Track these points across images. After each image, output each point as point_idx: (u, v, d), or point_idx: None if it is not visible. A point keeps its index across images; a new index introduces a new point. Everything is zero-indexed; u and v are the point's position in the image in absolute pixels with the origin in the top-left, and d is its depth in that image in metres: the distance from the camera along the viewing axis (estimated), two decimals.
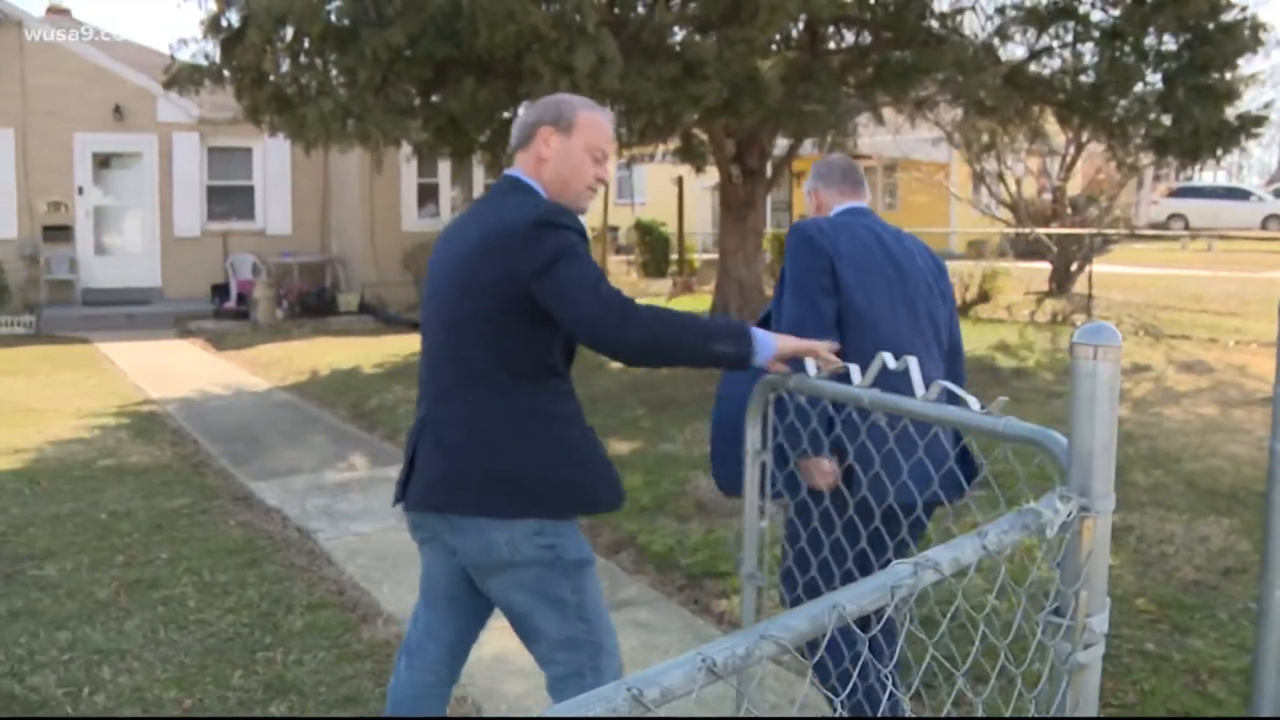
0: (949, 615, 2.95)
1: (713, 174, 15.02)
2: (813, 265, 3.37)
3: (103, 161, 18.59)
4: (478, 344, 2.70)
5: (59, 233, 17.96)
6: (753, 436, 2.92)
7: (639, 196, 31.05)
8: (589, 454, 2.80)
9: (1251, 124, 11.12)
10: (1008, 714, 2.76)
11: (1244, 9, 10.70)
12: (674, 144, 14.91)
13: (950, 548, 1.55)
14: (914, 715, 3.46)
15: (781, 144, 14.23)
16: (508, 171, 2.87)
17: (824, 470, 3.19)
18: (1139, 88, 11.15)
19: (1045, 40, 11.67)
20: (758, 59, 10.05)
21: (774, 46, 11.29)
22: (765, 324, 3.35)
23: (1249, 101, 12.13)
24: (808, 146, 14.67)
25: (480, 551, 2.73)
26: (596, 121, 2.84)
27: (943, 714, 3.39)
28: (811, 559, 3.10)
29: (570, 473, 2.75)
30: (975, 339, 12.89)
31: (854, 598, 1.38)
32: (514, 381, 2.70)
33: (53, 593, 5.11)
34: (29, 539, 5.93)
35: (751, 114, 10.61)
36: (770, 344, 2.64)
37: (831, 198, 3.73)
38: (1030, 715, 1.97)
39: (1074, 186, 20.47)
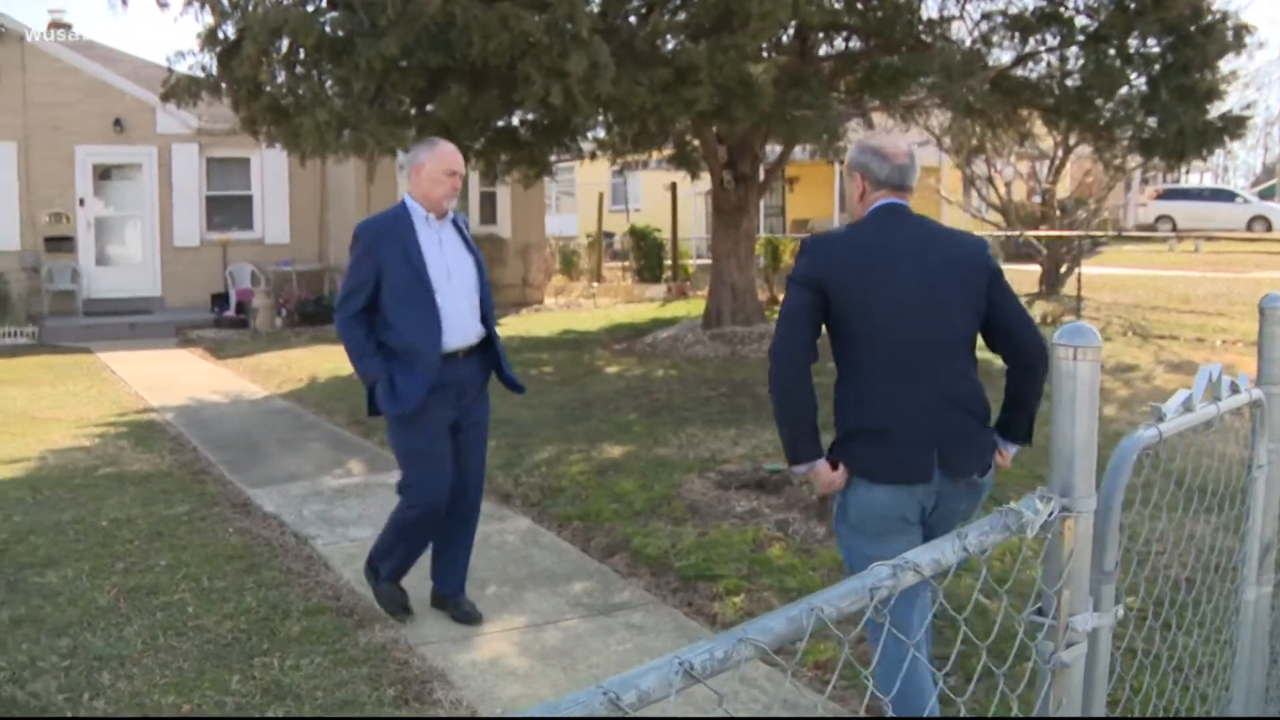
0: (928, 616, 3.05)
1: (706, 180, 15.12)
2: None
3: (103, 173, 18.68)
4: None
5: (61, 244, 18.07)
6: None
7: (633, 203, 31.17)
8: None
9: (1234, 124, 11.22)
10: (990, 713, 2.83)
11: (1223, 12, 10.82)
12: (668, 150, 15.01)
13: (931, 548, 1.53)
14: (895, 716, 3.50)
15: (773, 150, 14.34)
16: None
17: None
18: (1124, 90, 11.26)
19: (1031, 45, 11.78)
20: (749, 64, 10.13)
21: (765, 52, 11.39)
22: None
23: (1232, 102, 12.25)
24: (799, 152, 14.76)
25: (977, 505, 3.43)
26: None
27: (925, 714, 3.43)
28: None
29: None
30: None
31: (832, 600, 1.36)
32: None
33: (54, 600, 5.18)
34: (31, 547, 6.00)
35: (743, 119, 10.71)
36: None
37: None
38: (1014, 715, 1.98)
39: (1063, 189, 20.53)
